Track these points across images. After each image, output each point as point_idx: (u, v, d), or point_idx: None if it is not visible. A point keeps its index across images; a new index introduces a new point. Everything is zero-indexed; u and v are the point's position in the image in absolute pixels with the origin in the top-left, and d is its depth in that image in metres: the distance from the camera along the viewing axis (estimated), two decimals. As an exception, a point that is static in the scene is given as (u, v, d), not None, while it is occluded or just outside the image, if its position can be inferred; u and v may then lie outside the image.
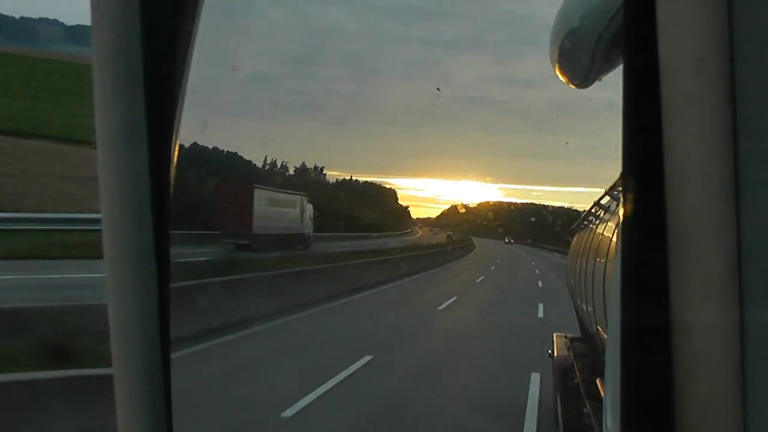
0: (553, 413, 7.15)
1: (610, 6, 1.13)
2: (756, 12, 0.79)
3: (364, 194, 65.14)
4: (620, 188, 1.85)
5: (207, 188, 32.34)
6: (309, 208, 37.11)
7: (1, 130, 44.04)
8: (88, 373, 6.47)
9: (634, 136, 0.85)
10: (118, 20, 1.10)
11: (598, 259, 5.54)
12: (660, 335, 0.81)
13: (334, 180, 67.07)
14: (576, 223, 9.88)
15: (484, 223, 69.30)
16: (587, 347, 7.22)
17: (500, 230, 73.16)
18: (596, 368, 5.97)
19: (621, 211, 0.92)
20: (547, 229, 51.53)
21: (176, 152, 1.23)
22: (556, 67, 1.44)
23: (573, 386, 6.12)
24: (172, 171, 1.22)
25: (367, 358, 12.12)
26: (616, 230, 4.61)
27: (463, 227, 70.14)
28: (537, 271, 39.37)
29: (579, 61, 1.32)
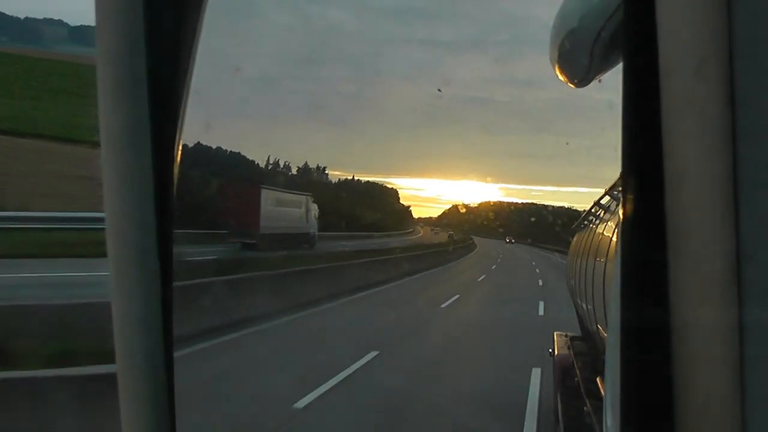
0: (554, 412, 7.16)
1: (608, 6, 1.13)
2: (756, 12, 0.79)
3: (366, 194, 65.08)
4: (620, 188, 1.85)
5: (211, 188, 32.51)
6: (314, 208, 37.34)
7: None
8: (91, 372, 6.48)
9: (634, 136, 0.85)
10: (122, 21, 1.10)
11: (598, 259, 5.54)
12: (660, 334, 0.81)
13: (337, 180, 67.03)
14: (576, 223, 9.91)
15: (485, 222, 69.25)
16: (587, 346, 7.22)
17: (501, 230, 73.10)
18: (596, 367, 5.97)
19: (621, 211, 0.92)
20: (547, 229, 51.45)
21: (179, 152, 1.23)
22: (556, 66, 1.45)
23: (573, 385, 6.13)
24: (176, 171, 1.22)
25: (374, 353, 12.38)
26: (615, 230, 4.61)
27: (464, 227, 70.05)
28: (537, 270, 39.39)
29: (578, 61, 1.33)
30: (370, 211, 56.56)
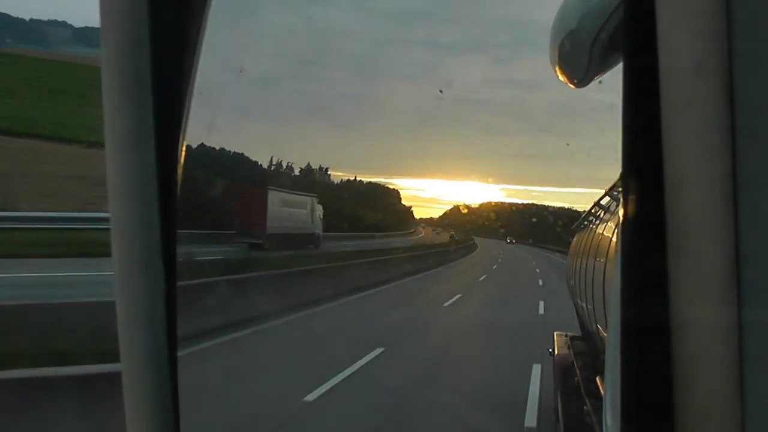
0: (554, 411, 7.17)
1: (607, 7, 1.14)
2: (756, 12, 0.79)
3: (368, 195, 65.00)
4: (620, 189, 1.85)
5: (215, 189, 32.65)
6: (319, 209, 37.78)
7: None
8: (95, 371, 6.50)
9: (634, 137, 0.85)
10: (127, 23, 1.10)
11: (598, 259, 5.55)
12: (659, 334, 0.81)
13: (339, 180, 66.87)
14: (576, 224, 9.94)
15: (486, 223, 69.14)
16: (587, 346, 7.22)
17: (502, 230, 72.96)
18: (596, 367, 5.97)
19: (621, 212, 0.92)
20: (548, 229, 51.42)
21: (183, 153, 1.24)
22: (556, 67, 1.45)
23: (573, 384, 6.14)
24: (179, 171, 1.22)
25: (379, 350, 12.64)
26: (615, 230, 4.62)
27: (466, 227, 69.97)
28: (538, 270, 39.40)
29: (577, 61, 1.33)
30: (372, 211, 56.48)
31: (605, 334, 4.53)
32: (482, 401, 9.82)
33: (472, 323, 18.08)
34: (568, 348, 7.50)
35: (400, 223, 70.30)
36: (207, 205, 27.64)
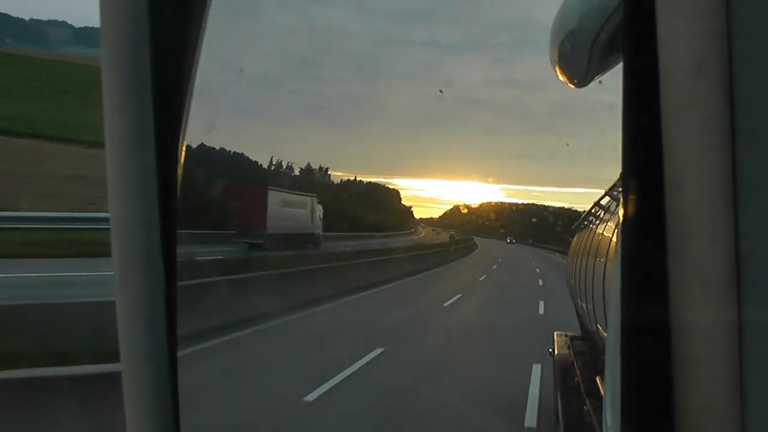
0: (554, 411, 7.18)
1: (607, 7, 1.14)
2: (756, 12, 0.79)
3: (368, 195, 65.04)
4: (620, 189, 1.85)
5: (215, 189, 32.75)
6: (319, 209, 37.96)
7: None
8: (95, 371, 6.50)
9: (634, 136, 0.85)
10: (127, 23, 1.11)
11: (597, 259, 5.56)
12: (659, 334, 0.82)
13: (339, 180, 66.90)
14: (576, 224, 9.97)
15: (486, 223, 69.17)
16: (587, 346, 7.23)
17: (502, 230, 72.99)
18: (596, 366, 5.98)
19: (621, 212, 0.91)
20: (548, 229, 51.46)
21: (183, 153, 1.24)
22: (556, 67, 1.45)
23: (573, 384, 6.15)
24: (180, 171, 1.22)
25: (379, 350, 12.70)
26: (615, 230, 4.62)
27: (466, 227, 70.00)
28: (538, 270, 39.47)
29: (577, 62, 1.33)
30: (372, 211, 56.52)
31: (605, 334, 4.54)
32: (482, 401, 9.85)
33: (472, 323, 18.13)
34: (568, 348, 7.51)
35: (400, 223, 70.33)
36: (207, 205, 27.72)
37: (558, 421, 6.56)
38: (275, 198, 34.04)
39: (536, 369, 11.14)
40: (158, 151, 1.15)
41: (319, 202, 38.19)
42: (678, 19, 0.79)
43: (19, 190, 28.35)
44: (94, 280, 14.77)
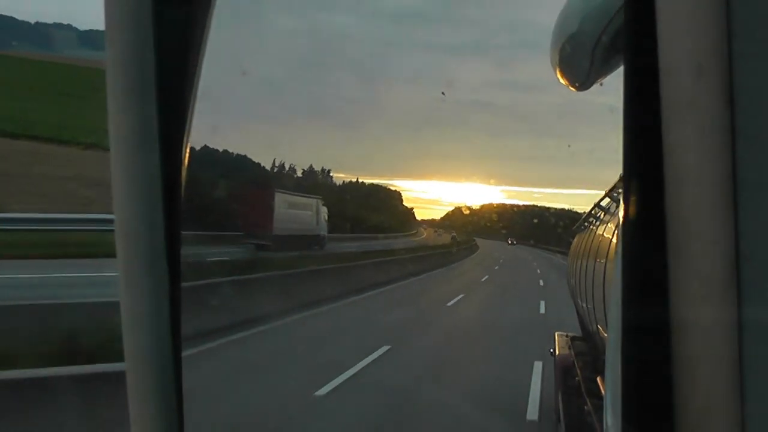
0: (555, 411, 7.19)
1: (609, 10, 1.14)
2: (755, 13, 0.79)
3: (370, 196, 64.93)
4: (620, 190, 1.85)
5: (220, 190, 32.87)
6: (324, 210, 38.33)
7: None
8: (101, 370, 6.51)
9: (634, 138, 0.85)
10: (132, 26, 1.11)
11: (598, 260, 5.56)
12: (659, 334, 0.82)
13: (341, 182, 66.89)
14: (577, 225, 10.00)
15: (488, 224, 69.07)
16: (588, 346, 7.23)
17: (503, 232, 72.89)
18: (597, 366, 5.98)
19: (621, 213, 0.92)
20: (549, 230, 51.44)
21: (187, 154, 1.24)
22: (557, 70, 1.45)
23: (574, 384, 6.15)
24: (184, 173, 1.23)
25: (386, 347, 12.91)
26: (616, 231, 4.62)
27: (467, 228, 69.90)
28: (539, 271, 39.47)
29: (579, 65, 1.33)
30: (374, 213, 56.46)
31: (606, 335, 4.53)
32: (486, 396, 10.06)
33: (475, 322, 18.32)
34: (569, 348, 7.51)
35: (402, 224, 70.15)
36: (212, 207, 27.78)
37: (559, 421, 6.57)
38: (282, 200, 34.40)
39: (538, 366, 11.30)
40: (162, 153, 1.15)
41: (324, 204, 38.47)
42: (678, 20, 0.80)
43: (20, 191, 28.35)
44: (72, 281, 14.86)
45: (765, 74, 0.79)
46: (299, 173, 56.11)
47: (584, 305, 6.78)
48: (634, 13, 0.85)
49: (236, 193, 35.35)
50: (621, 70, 0.91)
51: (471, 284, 29.37)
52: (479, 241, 68.20)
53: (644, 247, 0.85)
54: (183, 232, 1.22)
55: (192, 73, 1.24)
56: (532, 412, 9.06)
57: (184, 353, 1.23)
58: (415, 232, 73.01)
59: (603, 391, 3.55)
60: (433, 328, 16.47)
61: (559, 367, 7.26)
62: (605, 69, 1.31)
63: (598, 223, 7.00)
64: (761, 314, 0.80)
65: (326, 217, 38.32)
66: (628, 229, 0.88)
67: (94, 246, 18.56)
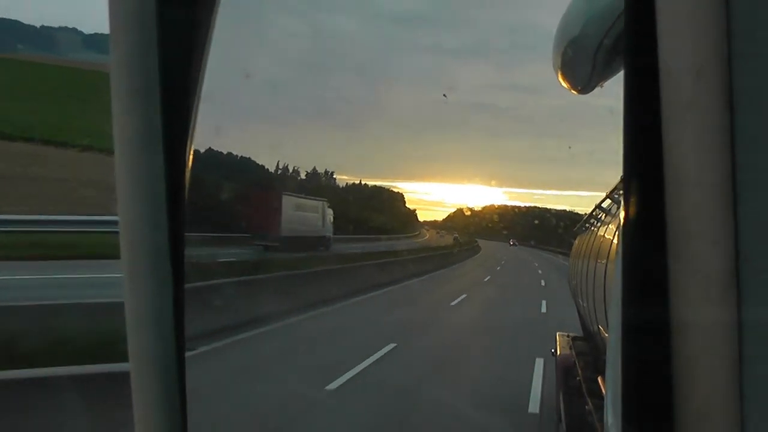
0: (556, 411, 7.19)
1: (610, 14, 1.14)
2: (755, 13, 0.79)
3: (373, 198, 64.97)
4: (621, 191, 1.85)
5: (224, 192, 33.00)
6: (329, 212, 38.77)
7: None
8: (105, 370, 6.52)
9: (635, 140, 0.85)
10: (136, 28, 1.12)
11: (599, 261, 5.57)
12: (660, 334, 0.82)
13: (344, 184, 66.97)
14: (578, 226, 10.05)
15: (490, 225, 68.97)
16: (589, 346, 7.23)
17: (505, 233, 72.79)
18: (597, 366, 5.99)
19: (622, 214, 0.92)
20: (550, 231, 51.40)
21: (191, 156, 1.25)
22: (559, 73, 1.45)
23: (575, 384, 6.15)
24: (187, 174, 1.24)
25: (392, 345, 13.18)
26: (616, 232, 4.62)
27: (469, 230, 69.85)
28: (540, 272, 39.45)
29: (581, 68, 1.33)
30: (377, 214, 56.51)
31: (606, 335, 4.53)
32: (489, 391, 10.27)
33: (478, 321, 18.54)
34: (570, 348, 7.51)
35: (405, 225, 70.13)
36: (219, 209, 27.86)
37: (560, 421, 6.57)
38: (289, 202, 34.87)
39: (539, 362, 11.47)
40: (166, 154, 1.16)
41: (329, 206, 38.81)
42: (678, 21, 0.80)
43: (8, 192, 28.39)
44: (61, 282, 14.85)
45: (765, 74, 0.79)
46: (303, 175, 56.06)
47: (585, 305, 6.79)
48: (634, 13, 0.85)
49: (242, 195, 35.59)
50: (621, 73, 0.91)
51: (473, 284, 29.51)
52: (481, 242, 68.15)
53: (644, 248, 0.85)
54: (187, 234, 1.23)
55: (195, 75, 1.25)
56: (534, 406, 9.28)
57: (200, 350, 1.25)
58: (417, 233, 72.97)
59: (603, 391, 3.55)
60: (437, 327, 16.69)
61: (560, 366, 7.26)
62: (607, 72, 1.31)
63: (599, 224, 7.01)
64: (761, 314, 0.80)
65: (332, 219, 38.73)
66: (628, 230, 0.88)
67: (89, 248, 18.71)
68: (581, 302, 7.39)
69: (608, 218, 6.12)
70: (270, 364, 11.68)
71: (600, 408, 4.49)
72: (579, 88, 1.46)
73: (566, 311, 11.28)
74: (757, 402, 0.80)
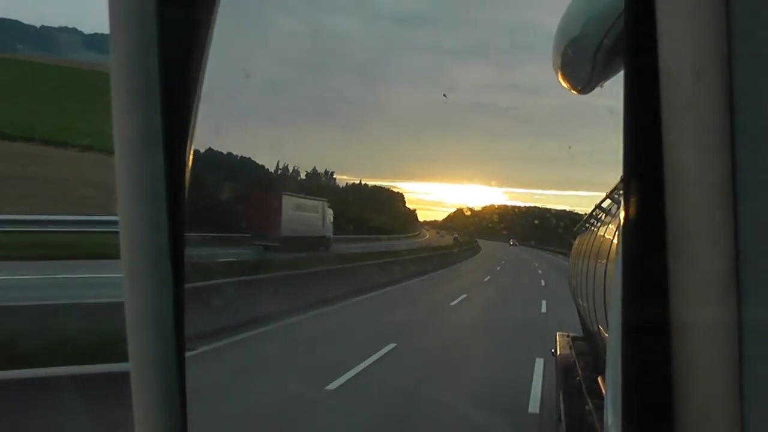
0: (556, 411, 7.20)
1: (611, 14, 1.14)
2: (755, 13, 0.79)
3: (373, 198, 65.00)
4: (621, 191, 1.85)
5: (224, 192, 33.03)
6: (329, 212, 38.80)
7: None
8: (105, 370, 6.52)
9: (635, 140, 0.85)
10: (136, 28, 1.12)
11: (599, 261, 5.58)
12: (660, 334, 0.82)
13: (344, 184, 67.00)
14: (578, 226, 10.06)
15: (490, 225, 68.95)
16: (589, 346, 7.24)
17: (505, 233, 72.77)
18: (597, 366, 6.00)
19: (622, 214, 0.92)
20: (550, 231, 51.41)
21: (191, 156, 1.25)
22: (559, 74, 1.45)
23: (575, 384, 6.16)
24: (187, 175, 1.24)
25: (392, 345, 13.24)
26: (616, 232, 4.62)
27: (469, 230, 69.85)
28: (540, 272, 39.49)
29: (580, 68, 1.33)
30: (377, 214, 56.57)
31: (606, 335, 4.54)
32: (489, 390, 10.32)
33: (479, 321, 18.59)
34: (570, 348, 7.52)
35: (405, 225, 70.13)
36: (219, 209, 27.88)
37: (560, 421, 6.57)
38: (289, 202, 34.91)
39: (539, 362, 11.50)
40: (166, 154, 1.16)
41: (329, 206, 38.85)
42: (678, 21, 0.80)
43: (8, 192, 28.39)
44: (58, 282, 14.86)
45: (765, 74, 0.79)
46: (303, 175, 56.04)
47: (585, 305, 6.79)
48: (634, 13, 0.85)
49: (242, 195, 35.64)
50: (621, 73, 0.91)
51: (474, 284, 29.56)
52: (481, 242, 68.18)
53: (644, 248, 0.85)
54: (187, 234, 1.23)
55: (195, 75, 1.25)
56: (534, 406, 9.33)
57: (200, 350, 1.25)
58: (417, 233, 72.96)
59: (603, 391, 3.55)
60: (437, 327, 16.75)
61: (560, 366, 7.27)
62: (607, 72, 1.31)
63: (599, 224, 7.02)
64: (761, 314, 0.80)
65: (332, 219, 38.76)
66: (628, 230, 0.88)
67: (89, 248, 18.70)
68: (581, 302, 7.40)
69: (608, 218, 6.13)
70: (270, 364, 11.74)
71: (600, 408, 4.50)
72: (579, 88, 1.46)
73: (566, 311, 11.32)
74: (757, 402, 0.80)
